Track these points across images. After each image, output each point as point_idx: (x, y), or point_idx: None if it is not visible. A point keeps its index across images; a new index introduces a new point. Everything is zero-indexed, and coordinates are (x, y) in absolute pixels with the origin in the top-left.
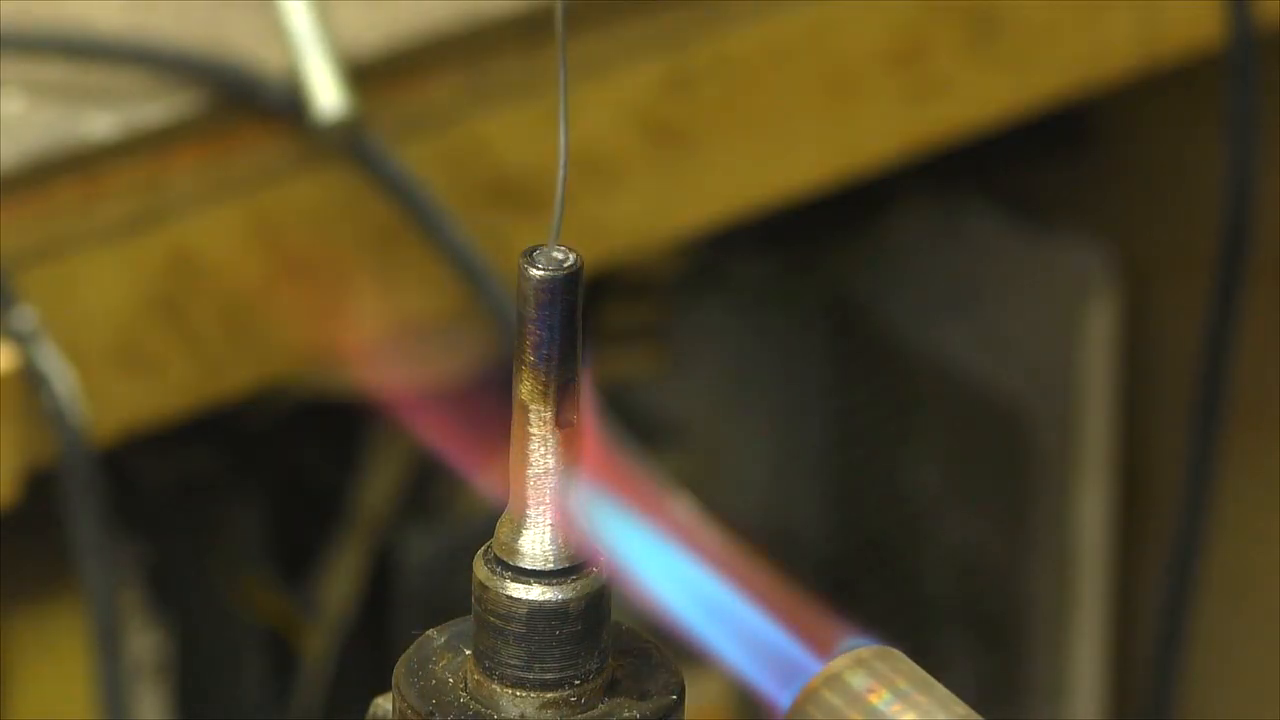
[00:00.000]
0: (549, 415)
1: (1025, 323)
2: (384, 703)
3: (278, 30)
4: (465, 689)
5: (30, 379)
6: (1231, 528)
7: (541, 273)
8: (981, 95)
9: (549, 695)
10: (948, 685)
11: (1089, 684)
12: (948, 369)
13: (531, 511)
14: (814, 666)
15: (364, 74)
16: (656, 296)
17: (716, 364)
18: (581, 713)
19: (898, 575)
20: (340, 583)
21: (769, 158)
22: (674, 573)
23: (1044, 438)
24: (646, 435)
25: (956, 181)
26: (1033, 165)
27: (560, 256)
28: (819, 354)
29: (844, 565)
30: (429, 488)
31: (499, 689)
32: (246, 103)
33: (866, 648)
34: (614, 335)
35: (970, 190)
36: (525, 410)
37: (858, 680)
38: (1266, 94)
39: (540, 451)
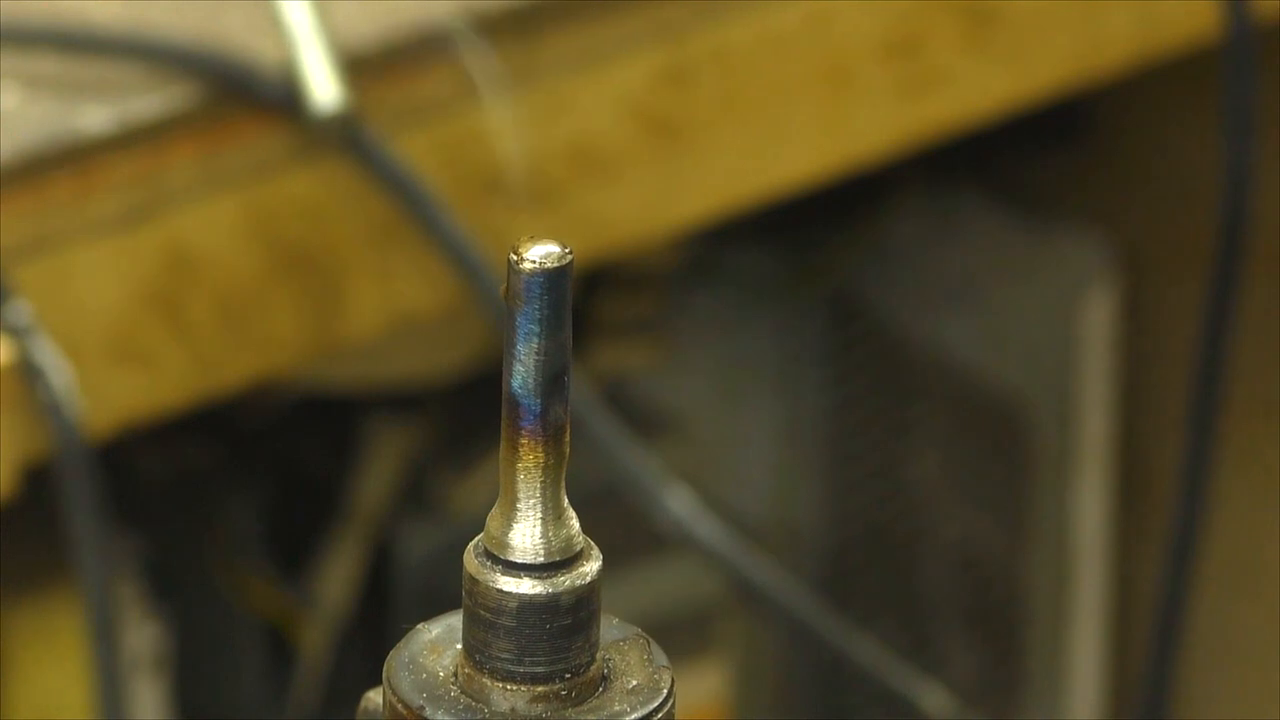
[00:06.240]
0: (539, 408)
1: (1023, 315)
2: (375, 697)
3: (273, 23)
4: (456, 682)
5: (26, 373)
6: (1230, 521)
7: (531, 266)
8: (979, 88)
9: (539, 689)
10: (946, 679)
11: (1087, 677)
12: (946, 361)
13: (521, 505)
14: None
15: (360, 67)
16: (654, 289)
17: (715, 356)
18: (572, 706)
19: (896, 568)
20: (338, 577)
21: (766, 150)
22: None
23: (1042, 430)
24: (645, 427)
25: (954, 174)
26: (1030, 158)
27: (550, 250)
28: (817, 346)
29: (842, 557)
30: (426, 482)
31: (490, 682)
32: (242, 96)
33: None
34: (612, 327)
35: (968, 183)
36: (515, 403)
37: None
38: (1263, 87)
39: (530, 445)
